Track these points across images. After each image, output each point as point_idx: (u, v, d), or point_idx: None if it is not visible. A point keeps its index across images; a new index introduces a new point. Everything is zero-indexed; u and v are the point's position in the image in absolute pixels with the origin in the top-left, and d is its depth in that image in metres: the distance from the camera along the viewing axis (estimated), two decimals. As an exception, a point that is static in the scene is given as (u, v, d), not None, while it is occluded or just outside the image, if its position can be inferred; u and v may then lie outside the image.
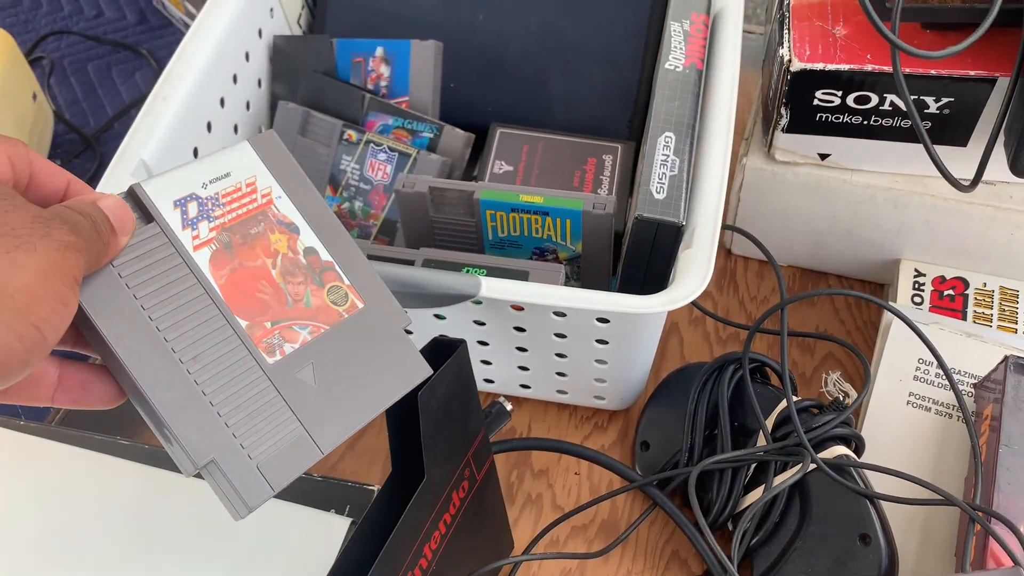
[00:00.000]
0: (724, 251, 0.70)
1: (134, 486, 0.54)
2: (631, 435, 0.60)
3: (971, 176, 0.52)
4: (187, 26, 1.11)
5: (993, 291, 0.61)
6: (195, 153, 0.58)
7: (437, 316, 0.53)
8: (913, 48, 0.46)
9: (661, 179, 0.51)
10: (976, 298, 0.61)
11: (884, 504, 0.48)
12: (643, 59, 0.69)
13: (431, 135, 0.67)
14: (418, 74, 0.69)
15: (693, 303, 0.55)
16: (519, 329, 0.53)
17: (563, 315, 0.50)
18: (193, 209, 0.35)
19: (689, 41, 0.58)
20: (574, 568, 0.55)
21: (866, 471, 0.49)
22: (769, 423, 0.52)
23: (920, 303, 0.61)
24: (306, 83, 0.68)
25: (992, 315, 0.60)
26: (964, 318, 0.60)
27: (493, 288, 0.48)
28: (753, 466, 0.53)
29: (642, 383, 0.59)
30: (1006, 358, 0.49)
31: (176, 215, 0.35)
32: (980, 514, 0.45)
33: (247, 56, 0.65)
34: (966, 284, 0.62)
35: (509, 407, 0.54)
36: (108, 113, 1.07)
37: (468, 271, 0.52)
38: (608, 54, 0.69)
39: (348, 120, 0.67)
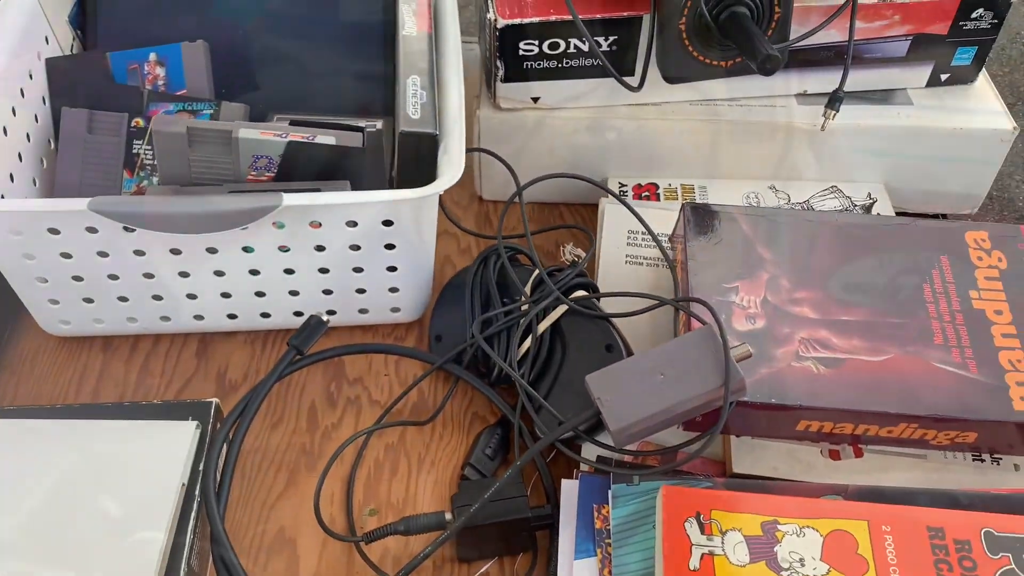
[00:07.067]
0: (477, 198, 0.85)
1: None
2: (426, 339, 0.72)
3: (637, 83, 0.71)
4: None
5: (676, 188, 0.80)
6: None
7: (245, 249, 0.63)
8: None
9: (414, 106, 0.65)
10: (665, 196, 0.80)
11: (619, 321, 0.64)
12: (384, 41, 0.81)
13: (211, 111, 0.76)
14: (192, 71, 0.79)
15: (462, 228, 0.69)
16: (319, 248, 0.64)
17: (355, 224, 0.62)
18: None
19: (418, 16, 0.73)
20: (395, 441, 0.66)
21: (602, 302, 0.65)
22: (527, 290, 0.66)
23: (627, 204, 0.79)
24: (84, 91, 0.75)
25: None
26: (659, 209, 0.78)
27: (292, 199, 0.59)
28: (521, 330, 0.66)
29: (428, 292, 0.72)
30: (683, 205, 0.67)
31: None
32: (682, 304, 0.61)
33: (30, 75, 0.72)
34: (657, 187, 0.81)
35: (325, 318, 0.64)
36: None
37: (267, 195, 0.62)
38: (350, 33, 0.80)
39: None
